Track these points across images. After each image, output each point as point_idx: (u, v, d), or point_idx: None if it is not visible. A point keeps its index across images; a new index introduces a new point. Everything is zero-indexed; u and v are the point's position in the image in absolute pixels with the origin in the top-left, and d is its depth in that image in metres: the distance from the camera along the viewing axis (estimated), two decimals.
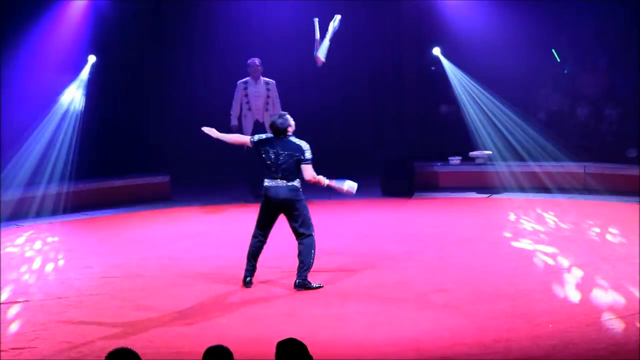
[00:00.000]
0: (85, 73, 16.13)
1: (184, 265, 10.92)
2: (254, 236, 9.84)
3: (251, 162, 15.40)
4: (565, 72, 17.16)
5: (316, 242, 9.65)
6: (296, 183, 9.57)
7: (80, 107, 16.01)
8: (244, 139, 9.90)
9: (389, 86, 16.79)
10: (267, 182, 9.58)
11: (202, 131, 9.95)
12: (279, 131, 9.57)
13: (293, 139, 9.62)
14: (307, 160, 9.57)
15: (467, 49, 16.65)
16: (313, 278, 9.79)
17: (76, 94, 16.04)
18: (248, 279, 9.81)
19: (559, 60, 17.04)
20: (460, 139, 16.85)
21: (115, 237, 12.88)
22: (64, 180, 15.31)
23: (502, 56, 16.63)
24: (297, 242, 9.70)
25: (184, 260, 11.19)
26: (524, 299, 8.93)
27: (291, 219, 9.65)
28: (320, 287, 9.62)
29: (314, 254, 9.60)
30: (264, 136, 9.71)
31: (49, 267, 11.10)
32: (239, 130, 15.38)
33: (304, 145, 9.57)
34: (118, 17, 16.65)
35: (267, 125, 15.28)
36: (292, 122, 9.66)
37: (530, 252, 11.03)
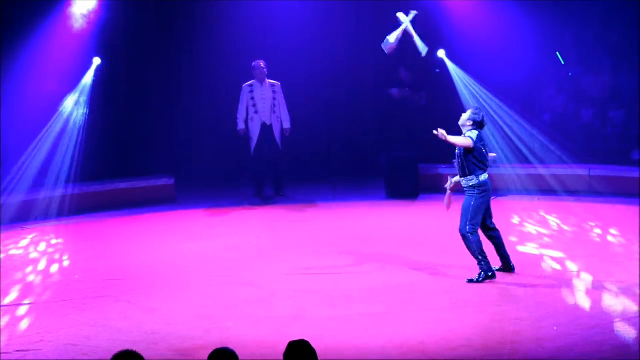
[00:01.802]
0: (89, 75, 16.14)
1: (189, 268, 10.93)
2: (477, 232, 9.88)
3: (256, 164, 15.52)
4: (570, 74, 17.15)
5: None
6: None
7: (84, 110, 16.00)
8: (469, 141, 9.79)
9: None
10: (486, 176, 9.85)
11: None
12: (484, 125, 9.98)
13: None
14: None
15: (471, 51, 16.63)
16: (318, 279, 9.85)
17: (80, 96, 16.04)
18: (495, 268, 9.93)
19: (563, 62, 17.03)
20: None
21: (119, 239, 12.88)
22: (69, 182, 15.32)
23: (506, 58, 16.60)
24: (488, 236, 9.98)
25: (189, 263, 11.19)
26: (529, 301, 8.94)
27: (487, 209, 10.03)
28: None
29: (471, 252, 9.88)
30: (477, 133, 9.85)
31: (54, 269, 11.11)
32: (246, 134, 15.39)
33: None
34: (123, 20, 16.65)
35: (274, 128, 15.30)
36: None
37: (535, 254, 11.03)
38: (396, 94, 15.96)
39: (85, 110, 15.98)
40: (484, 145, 9.86)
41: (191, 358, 7.63)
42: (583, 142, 16.46)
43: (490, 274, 9.72)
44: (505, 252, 10.03)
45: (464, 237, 9.79)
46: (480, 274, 9.73)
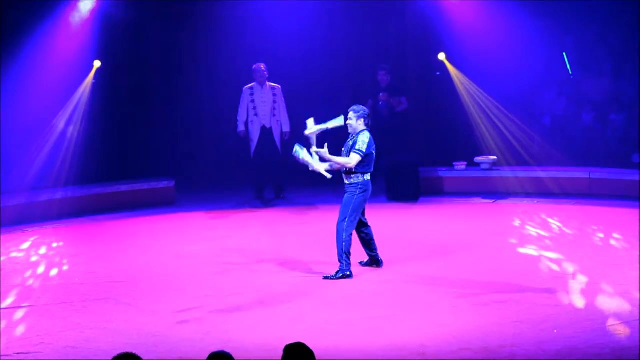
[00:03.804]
0: (90, 79, 16.15)
1: (189, 271, 10.92)
2: (353, 232, 10.30)
3: (256, 167, 15.52)
4: (571, 75, 17.14)
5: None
6: None
7: (78, 127, 16.00)
8: (355, 159, 10.10)
9: (393, 91, 16.78)
10: (369, 176, 10.29)
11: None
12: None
13: None
14: None
15: (472, 54, 16.64)
16: (318, 282, 9.97)
17: (81, 100, 16.06)
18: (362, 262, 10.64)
19: (569, 67, 17.01)
20: (465, 144, 16.85)
21: (120, 242, 12.88)
22: (69, 184, 15.33)
23: (507, 61, 16.61)
24: (359, 231, 10.45)
25: (189, 266, 11.19)
26: (529, 304, 8.93)
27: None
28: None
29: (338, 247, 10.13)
30: (370, 137, 10.18)
31: (54, 271, 11.11)
32: (246, 136, 15.42)
33: None
34: (123, 22, 16.66)
35: (274, 131, 15.31)
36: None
37: (535, 257, 11.02)
38: (381, 98, 15.94)
39: (78, 127, 15.96)
40: (374, 149, 10.21)
41: None
42: (583, 145, 16.48)
43: (348, 273, 10.07)
44: (375, 248, 10.48)
45: (338, 231, 10.13)
46: (337, 272, 10.07)
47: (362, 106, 10.40)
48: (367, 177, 10.21)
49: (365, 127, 10.21)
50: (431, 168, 16.32)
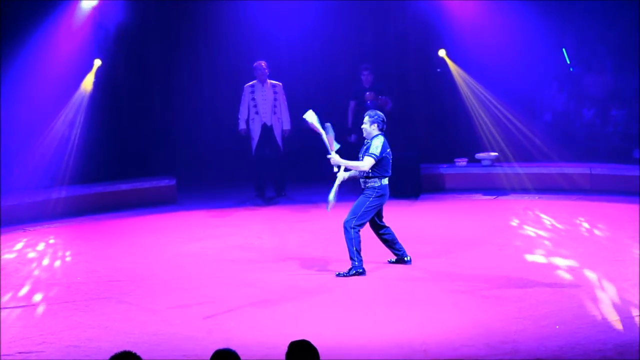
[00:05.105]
0: (90, 77, 16.14)
1: (191, 269, 10.93)
2: (360, 231, 10.28)
3: (257, 165, 15.52)
4: (571, 69, 17.13)
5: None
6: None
7: (77, 131, 16.01)
8: (369, 162, 10.10)
9: (394, 88, 16.77)
10: (387, 181, 10.26)
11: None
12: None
13: None
14: None
15: (472, 50, 16.63)
16: (320, 280, 9.96)
17: (82, 98, 16.07)
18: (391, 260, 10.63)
19: (568, 61, 17.01)
20: (466, 140, 16.85)
21: (121, 240, 12.88)
22: (70, 183, 15.33)
23: (508, 57, 16.60)
24: (379, 234, 10.51)
25: (190, 264, 11.19)
26: (531, 300, 8.94)
27: (380, 210, 10.48)
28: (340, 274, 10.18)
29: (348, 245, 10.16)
30: (384, 140, 10.16)
31: (55, 271, 11.11)
32: (247, 133, 15.40)
33: None
34: (124, 21, 16.65)
35: (275, 129, 15.30)
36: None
37: (537, 253, 11.02)
38: (368, 98, 15.88)
39: (77, 131, 15.97)
40: (389, 153, 10.20)
41: (194, 359, 7.64)
42: (584, 141, 16.49)
43: (360, 270, 10.08)
44: (400, 246, 10.49)
45: (346, 229, 10.16)
46: (350, 270, 10.09)
47: (377, 111, 10.42)
48: (385, 181, 10.19)
49: (379, 132, 10.21)
50: (432, 165, 16.32)
